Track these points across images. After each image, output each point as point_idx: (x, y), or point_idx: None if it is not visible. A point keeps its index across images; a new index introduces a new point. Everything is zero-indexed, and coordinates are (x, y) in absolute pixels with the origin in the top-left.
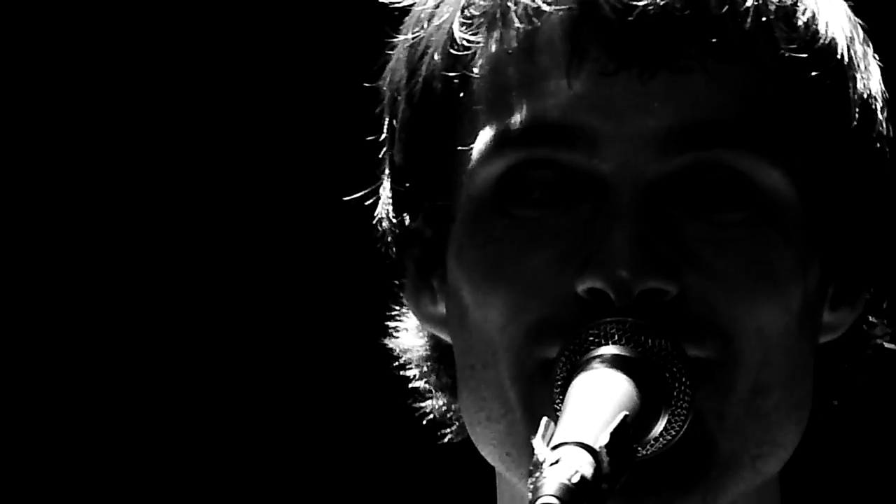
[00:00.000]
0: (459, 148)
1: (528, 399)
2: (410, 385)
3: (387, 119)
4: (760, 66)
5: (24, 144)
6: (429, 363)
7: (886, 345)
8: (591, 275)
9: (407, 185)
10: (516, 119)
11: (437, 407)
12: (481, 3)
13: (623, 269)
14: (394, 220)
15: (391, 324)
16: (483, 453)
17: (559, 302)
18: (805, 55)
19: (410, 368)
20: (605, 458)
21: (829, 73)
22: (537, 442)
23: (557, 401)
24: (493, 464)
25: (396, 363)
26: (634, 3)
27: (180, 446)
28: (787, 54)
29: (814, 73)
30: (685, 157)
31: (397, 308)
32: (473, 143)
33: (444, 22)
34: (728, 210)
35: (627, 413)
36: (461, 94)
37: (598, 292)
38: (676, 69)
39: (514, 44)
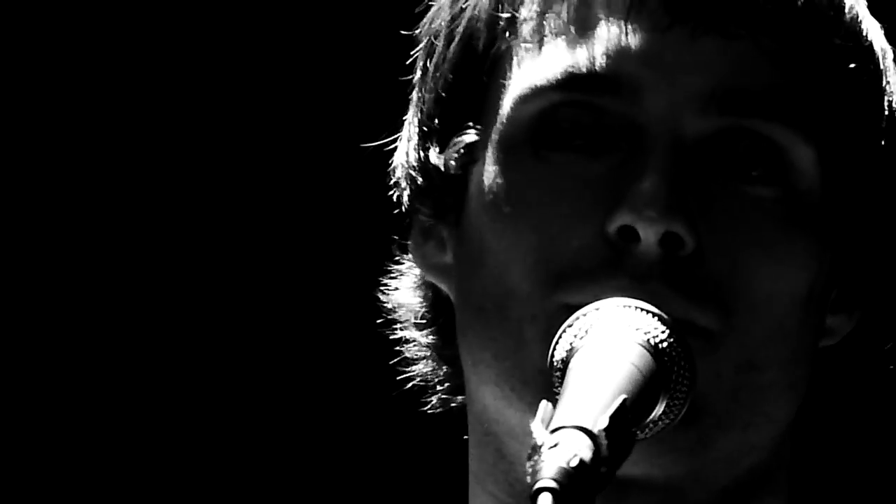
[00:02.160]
0: (500, 82)
1: (546, 336)
2: (397, 348)
3: (422, 61)
4: (806, 48)
5: (25, 144)
6: (424, 319)
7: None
8: (622, 212)
9: (437, 120)
10: (564, 62)
11: (423, 371)
12: None
13: (652, 208)
14: (417, 158)
15: (386, 280)
16: (479, 394)
17: (587, 247)
18: (850, 44)
19: (398, 328)
20: (605, 442)
21: (867, 73)
22: (536, 425)
23: (557, 384)
24: (488, 404)
25: (383, 321)
26: None
27: (180, 446)
28: (832, 42)
29: (853, 67)
30: (724, 119)
31: (394, 265)
32: (515, 80)
33: None
34: (758, 181)
35: (627, 396)
36: (506, 34)
37: (627, 230)
38: (727, 34)
39: None
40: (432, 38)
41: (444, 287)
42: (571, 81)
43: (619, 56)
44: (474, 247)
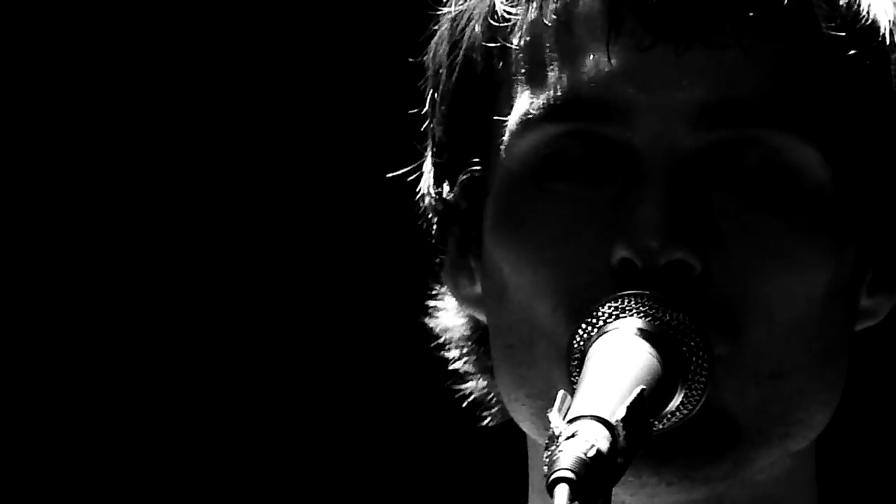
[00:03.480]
0: (496, 118)
1: (564, 389)
2: (450, 367)
3: (429, 92)
4: (798, 44)
5: (25, 144)
6: (469, 343)
7: None
8: (621, 245)
9: (446, 156)
10: (553, 93)
11: (477, 388)
12: None
13: (651, 238)
14: (433, 194)
15: (431, 303)
16: (523, 427)
17: (597, 281)
18: (845, 34)
19: (450, 349)
20: (622, 433)
21: (870, 53)
22: (553, 415)
23: (574, 374)
24: (532, 437)
25: (436, 343)
26: None
27: (180, 446)
28: (826, 32)
29: (853, 53)
30: (718, 132)
31: (437, 287)
32: (510, 113)
33: None
34: (759, 188)
35: (644, 387)
36: (500, 65)
37: (628, 262)
38: (712, 44)
39: (553, 16)
40: (437, 68)
41: (480, 318)
42: (561, 112)
43: (605, 81)
44: (496, 281)
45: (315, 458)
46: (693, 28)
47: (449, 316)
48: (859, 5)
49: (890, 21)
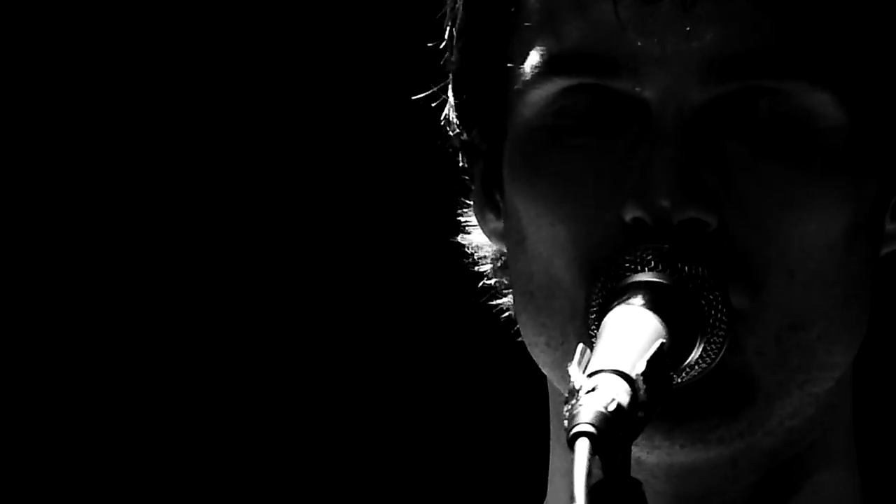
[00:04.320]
0: (511, 64)
1: (586, 333)
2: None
3: (447, 25)
4: None
5: (25, 144)
6: (500, 261)
7: None
8: (633, 205)
9: (463, 96)
10: (562, 45)
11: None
12: None
13: (663, 197)
14: (454, 131)
15: (463, 219)
16: (543, 370)
17: (611, 237)
18: None
19: (484, 264)
20: (642, 386)
21: None
22: (573, 369)
23: (593, 328)
24: (552, 381)
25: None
26: None
27: (180, 446)
28: None
29: None
30: (728, 85)
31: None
32: (523, 61)
33: None
34: (772, 138)
35: (664, 340)
36: (512, 8)
37: (642, 222)
38: None
39: None
40: (453, 3)
41: (504, 250)
42: (570, 65)
43: (613, 34)
44: (514, 226)
45: (314, 457)
46: None
47: (479, 233)
48: None
49: None
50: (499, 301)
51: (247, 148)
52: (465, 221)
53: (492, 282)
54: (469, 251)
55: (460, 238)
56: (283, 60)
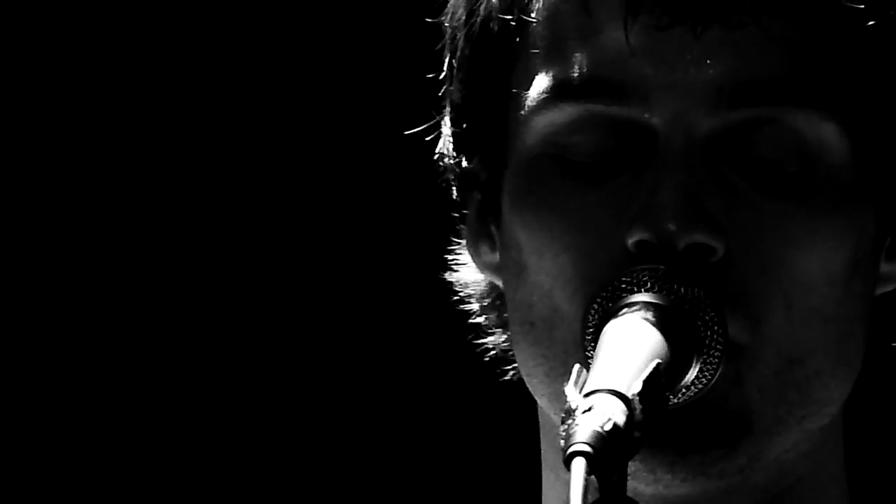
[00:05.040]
0: (514, 91)
1: (580, 363)
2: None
3: (447, 56)
4: (815, 20)
5: (25, 144)
6: (489, 299)
7: None
8: (639, 227)
9: (464, 125)
10: (571, 72)
11: (499, 343)
12: None
13: (670, 221)
14: (453, 161)
15: (451, 257)
16: (540, 402)
17: (615, 264)
18: (861, 5)
19: (471, 303)
20: (638, 407)
21: (886, 22)
22: (569, 389)
23: (589, 348)
24: (548, 414)
25: (457, 297)
26: None
27: (180, 446)
28: (845, 5)
29: (871, 24)
30: (737, 113)
31: (456, 242)
32: (528, 88)
33: None
34: (779, 173)
35: (660, 361)
36: (517, 38)
37: (647, 245)
38: (730, 24)
39: None
40: (453, 34)
41: (498, 283)
42: (579, 91)
43: (622, 61)
44: (513, 256)
45: (314, 457)
46: (711, 8)
47: (469, 271)
48: None
49: None
50: (485, 340)
51: (246, 150)
52: (453, 259)
53: (479, 320)
54: (457, 289)
55: (448, 276)
56: (280, 81)
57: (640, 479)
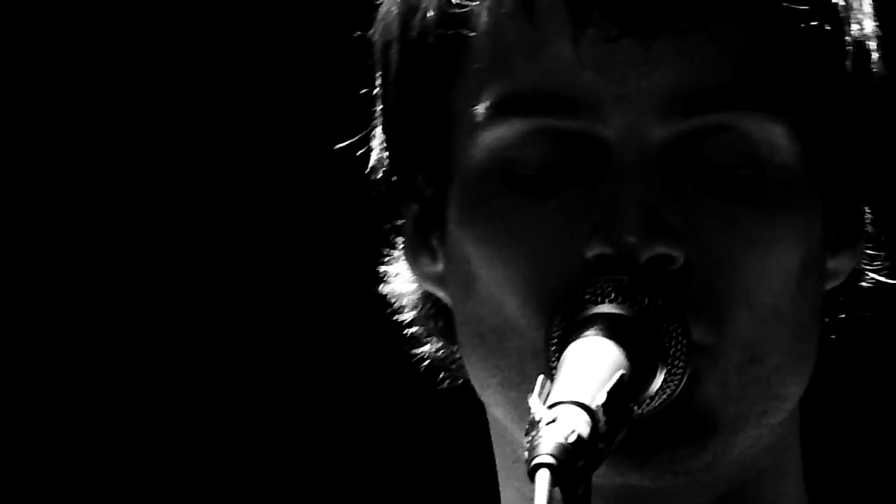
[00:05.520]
0: (459, 107)
1: (544, 374)
2: (406, 331)
3: (380, 72)
4: (760, 22)
5: (25, 144)
6: (423, 309)
7: (885, 279)
8: (599, 241)
9: (402, 140)
10: (519, 86)
11: (433, 352)
12: None
13: (631, 234)
14: (390, 175)
15: (383, 268)
16: (494, 413)
17: (573, 274)
18: (803, 5)
19: (404, 313)
20: (602, 418)
21: (826, 20)
22: (533, 400)
23: (553, 359)
24: (504, 423)
25: (390, 309)
26: None
27: (180, 446)
28: (785, 6)
29: (813, 24)
30: (689, 121)
31: (389, 252)
32: (474, 103)
33: None
34: (732, 177)
35: (624, 372)
36: (457, 52)
37: (607, 258)
38: (678, 32)
39: (514, 6)
40: (387, 48)
41: (441, 295)
42: (528, 105)
43: (572, 74)
44: (462, 269)
45: (313, 457)
46: (659, 18)
47: (401, 281)
48: None
49: None
50: (420, 349)
51: (241, 149)
52: (385, 272)
53: (413, 330)
54: (391, 301)
55: (381, 288)
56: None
57: (606, 478)
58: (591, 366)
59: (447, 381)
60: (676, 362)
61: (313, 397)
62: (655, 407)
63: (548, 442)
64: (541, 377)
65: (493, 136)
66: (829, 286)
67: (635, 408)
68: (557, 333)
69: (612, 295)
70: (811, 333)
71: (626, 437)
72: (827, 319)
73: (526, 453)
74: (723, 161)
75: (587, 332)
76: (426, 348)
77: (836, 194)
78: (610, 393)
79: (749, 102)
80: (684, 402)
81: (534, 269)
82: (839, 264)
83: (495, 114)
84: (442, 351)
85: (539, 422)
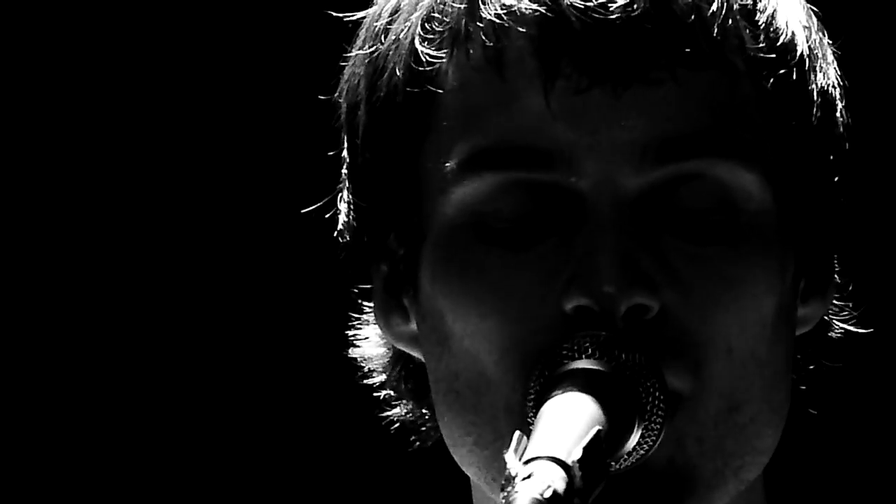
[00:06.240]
0: (430, 165)
1: (521, 430)
2: (376, 394)
3: (346, 134)
4: (729, 70)
5: (25, 144)
6: (393, 372)
7: (853, 329)
8: (577, 293)
9: (372, 201)
10: (490, 140)
11: (404, 414)
12: (443, 18)
13: (609, 284)
14: (360, 236)
15: (351, 332)
16: (468, 472)
17: (549, 328)
18: (771, 55)
19: (374, 377)
20: (578, 473)
21: (794, 70)
22: (510, 456)
23: (530, 415)
24: (476, 482)
25: (360, 373)
26: (603, 16)
27: (180, 446)
28: (753, 55)
29: (780, 72)
30: (662, 170)
31: (357, 315)
32: (445, 160)
33: (403, 36)
34: (707, 223)
35: (601, 428)
36: (427, 110)
37: (585, 310)
38: (648, 81)
39: (482, 61)
40: (354, 110)
41: (414, 354)
42: (501, 160)
43: (544, 127)
44: (436, 326)
45: (312, 457)
46: (628, 68)
47: (370, 345)
48: (776, 21)
49: (804, 28)
50: (390, 413)
51: (242, 151)
52: (354, 335)
53: (383, 394)
54: (360, 364)
55: (350, 352)
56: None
57: None
58: (568, 421)
59: (417, 443)
60: (654, 418)
61: (313, 397)
62: (633, 463)
63: (523, 497)
64: (517, 433)
65: (466, 192)
66: (798, 332)
67: (612, 464)
68: (535, 389)
69: (590, 350)
70: (785, 381)
71: (605, 498)
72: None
73: None
74: (697, 207)
75: (564, 388)
76: (396, 411)
77: (806, 242)
78: (586, 449)
79: (720, 150)
80: (661, 463)
81: (510, 322)
82: (809, 311)
83: (467, 169)
84: (413, 413)
85: (515, 477)
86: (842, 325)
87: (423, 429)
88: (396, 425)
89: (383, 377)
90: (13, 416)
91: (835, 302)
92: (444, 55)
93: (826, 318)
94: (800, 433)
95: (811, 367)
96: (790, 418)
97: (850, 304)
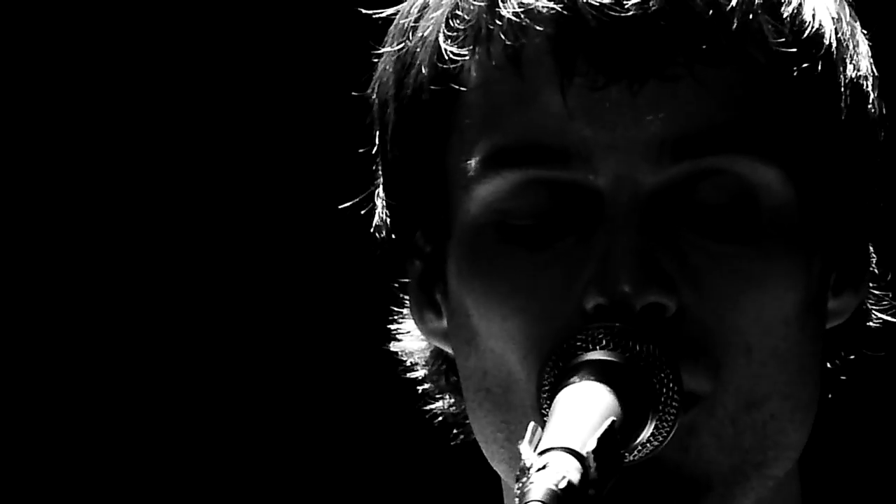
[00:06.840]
0: (454, 163)
1: (535, 420)
2: (419, 388)
3: (377, 131)
4: (749, 65)
5: (24, 144)
6: (434, 366)
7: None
8: (595, 292)
9: (401, 198)
10: (510, 138)
11: (446, 408)
12: (465, 16)
13: (625, 284)
14: (391, 233)
15: (393, 326)
16: (498, 470)
17: (569, 326)
18: (794, 49)
19: (416, 371)
20: (593, 464)
21: (819, 63)
22: (524, 447)
23: (545, 406)
24: (506, 480)
25: (401, 367)
26: (619, 13)
27: (180, 446)
28: (775, 50)
29: (804, 66)
30: (680, 166)
31: (399, 310)
32: (467, 158)
33: (428, 34)
34: (726, 220)
35: (615, 418)
36: (450, 107)
37: (603, 308)
38: (665, 78)
39: (502, 59)
40: (384, 107)
41: (447, 350)
42: (520, 157)
43: (561, 124)
44: (463, 324)
45: (312, 458)
46: (645, 64)
47: (412, 339)
48: (803, 14)
49: (834, 20)
50: (433, 406)
51: (243, 149)
52: (396, 329)
53: (426, 387)
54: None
55: (392, 346)
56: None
57: None
58: (582, 411)
59: (460, 437)
60: (668, 409)
61: (313, 398)
62: (647, 454)
63: (538, 488)
64: (531, 425)
65: (487, 190)
66: (830, 325)
67: (626, 455)
68: (549, 380)
69: (604, 342)
70: (813, 378)
71: (617, 491)
72: (833, 361)
73: (517, 500)
74: (716, 202)
75: (578, 378)
76: (439, 405)
77: (836, 235)
78: (601, 439)
79: (739, 145)
80: (674, 458)
81: (532, 323)
82: (841, 304)
83: (488, 167)
84: (454, 407)
85: (530, 468)
86: (881, 315)
87: (468, 421)
88: (439, 419)
89: (425, 371)
90: (14, 416)
91: (873, 292)
92: (466, 53)
93: (863, 307)
94: (845, 426)
95: (849, 357)
96: (830, 412)
97: (891, 294)
